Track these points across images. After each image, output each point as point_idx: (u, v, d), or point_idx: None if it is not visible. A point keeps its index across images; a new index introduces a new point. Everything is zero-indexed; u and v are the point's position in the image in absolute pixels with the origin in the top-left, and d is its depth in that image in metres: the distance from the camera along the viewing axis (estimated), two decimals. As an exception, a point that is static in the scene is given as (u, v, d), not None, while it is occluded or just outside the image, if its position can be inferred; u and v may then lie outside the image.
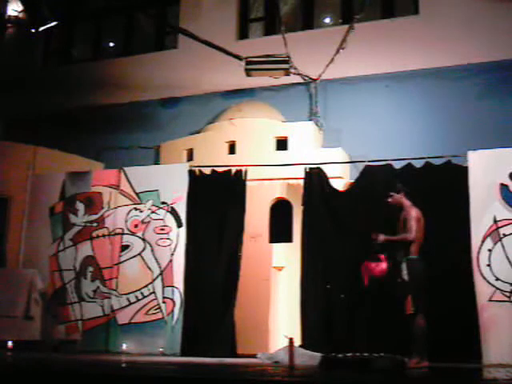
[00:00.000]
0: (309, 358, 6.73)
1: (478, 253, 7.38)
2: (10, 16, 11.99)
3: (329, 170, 8.57)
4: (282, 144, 9.65)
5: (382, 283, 7.45)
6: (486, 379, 5.65)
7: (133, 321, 8.45)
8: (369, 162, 8.39)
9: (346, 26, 10.28)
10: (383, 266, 6.74)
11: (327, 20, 11.89)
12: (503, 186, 7.48)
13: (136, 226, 8.75)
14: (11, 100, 12.21)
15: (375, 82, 10.52)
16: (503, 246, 7.32)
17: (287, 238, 8.95)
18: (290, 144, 9.57)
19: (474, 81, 9.92)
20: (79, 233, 9.00)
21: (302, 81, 10.74)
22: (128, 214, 8.81)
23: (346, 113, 10.50)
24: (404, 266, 6.47)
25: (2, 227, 9.43)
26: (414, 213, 6.60)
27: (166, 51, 12.47)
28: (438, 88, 10.07)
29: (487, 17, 9.96)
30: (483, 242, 7.40)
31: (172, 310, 8.34)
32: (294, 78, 10.48)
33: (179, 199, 8.63)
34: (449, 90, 9.98)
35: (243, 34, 11.96)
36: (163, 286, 8.44)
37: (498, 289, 7.23)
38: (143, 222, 8.74)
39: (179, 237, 8.53)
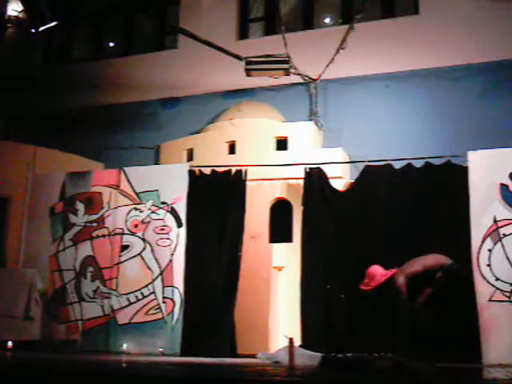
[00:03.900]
0: (309, 358, 6.71)
1: (478, 253, 7.38)
2: (9, 16, 11.98)
3: (329, 170, 8.57)
4: (282, 144, 9.64)
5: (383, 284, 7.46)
6: (486, 379, 5.64)
7: (133, 321, 8.45)
8: (369, 162, 8.39)
9: (346, 26, 10.27)
10: (390, 274, 6.91)
11: (327, 20, 11.87)
12: (503, 186, 7.48)
13: (136, 226, 8.75)
14: (11, 100, 12.20)
15: (375, 82, 10.51)
16: (503, 246, 7.32)
17: (287, 238, 8.94)
18: (290, 144, 9.56)
19: (474, 81, 9.91)
20: (79, 233, 9.01)
21: (302, 81, 10.72)
22: (128, 214, 8.82)
23: (346, 113, 10.49)
24: None
25: (2, 227, 9.42)
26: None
27: (166, 51, 12.43)
28: (438, 88, 10.06)
29: (487, 17, 9.94)
30: (483, 241, 7.40)
31: (172, 310, 8.34)
32: (294, 78, 10.46)
33: (179, 199, 8.64)
34: (449, 90, 9.97)
35: (243, 34, 11.94)
36: (163, 286, 8.44)
37: (498, 289, 7.24)
38: (143, 221, 8.74)
39: (179, 237, 8.53)
